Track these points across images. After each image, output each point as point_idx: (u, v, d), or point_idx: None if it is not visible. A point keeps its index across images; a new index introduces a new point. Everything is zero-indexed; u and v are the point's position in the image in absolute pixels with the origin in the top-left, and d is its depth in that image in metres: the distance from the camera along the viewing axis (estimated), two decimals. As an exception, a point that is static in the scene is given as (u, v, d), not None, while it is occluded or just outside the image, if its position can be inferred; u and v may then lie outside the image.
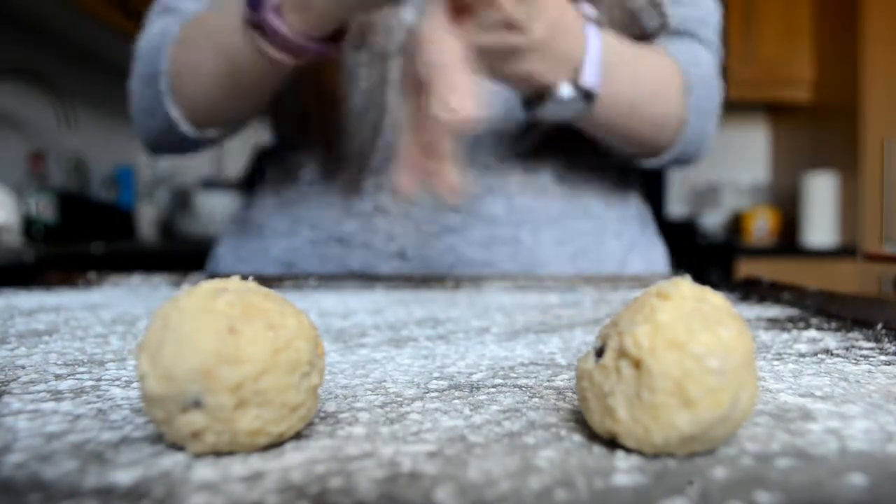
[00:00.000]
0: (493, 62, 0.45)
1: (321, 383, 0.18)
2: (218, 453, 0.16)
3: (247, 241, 0.67)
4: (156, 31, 0.60)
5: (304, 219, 0.64)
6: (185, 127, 0.59)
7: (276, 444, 0.17)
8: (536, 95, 0.50)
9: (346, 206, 0.62)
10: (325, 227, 0.63)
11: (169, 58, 0.57)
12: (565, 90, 0.48)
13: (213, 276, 0.43)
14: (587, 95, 0.49)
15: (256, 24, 0.48)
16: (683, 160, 0.63)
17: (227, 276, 0.19)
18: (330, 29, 0.49)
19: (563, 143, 0.62)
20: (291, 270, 0.64)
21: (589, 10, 0.49)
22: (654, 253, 0.69)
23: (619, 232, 0.65)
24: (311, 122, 0.66)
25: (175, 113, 0.58)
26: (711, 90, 0.60)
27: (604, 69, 0.49)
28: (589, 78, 0.48)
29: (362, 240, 0.62)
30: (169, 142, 0.62)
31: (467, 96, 0.40)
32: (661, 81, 0.56)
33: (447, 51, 0.41)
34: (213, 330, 0.16)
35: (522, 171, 0.62)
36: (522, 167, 0.62)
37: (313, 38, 0.49)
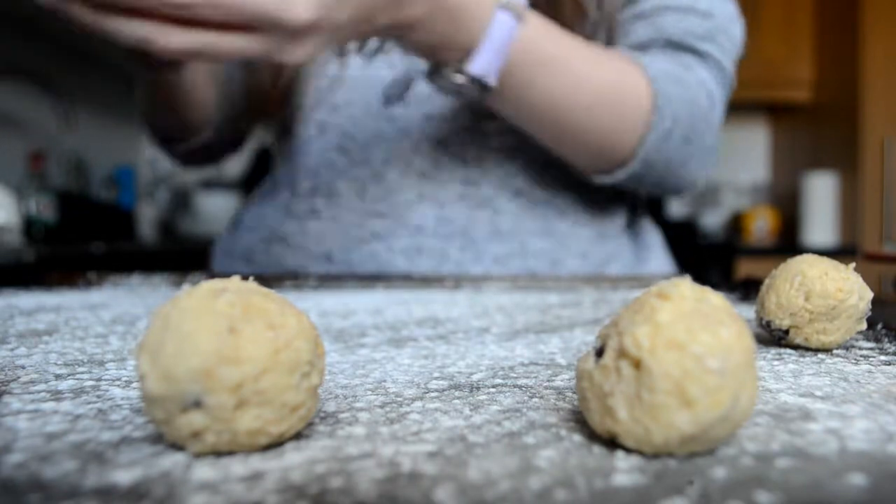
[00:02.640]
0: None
1: (321, 383, 0.18)
2: (218, 453, 0.16)
3: (230, 235, 0.70)
4: None
5: (264, 216, 0.66)
6: (155, 142, 0.64)
7: (276, 444, 0.17)
8: (436, 67, 0.47)
9: (287, 208, 0.63)
10: (273, 226, 0.64)
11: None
12: (455, 74, 0.46)
13: (213, 275, 0.43)
14: (481, 85, 0.46)
15: None
16: (648, 185, 0.56)
17: (225, 274, 0.19)
18: None
19: (524, 155, 0.60)
20: (249, 267, 0.65)
21: None
22: (642, 269, 0.65)
23: (586, 252, 0.61)
24: (282, 125, 0.68)
25: (146, 132, 0.63)
26: (694, 114, 0.53)
27: (516, 66, 0.46)
28: (478, 67, 0.45)
29: (298, 241, 0.62)
30: (174, 154, 0.67)
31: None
32: (609, 90, 0.50)
33: None
34: (213, 330, 0.16)
35: (461, 182, 0.59)
36: (462, 177, 0.59)
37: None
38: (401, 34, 0.44)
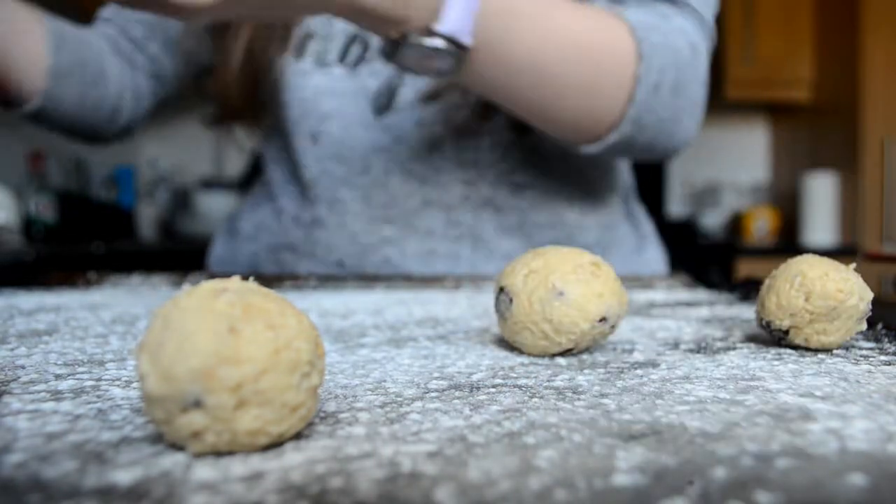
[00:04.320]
0: None
1: (321, 383, 0.18)
2: (218, 453, 0.16)
3: (227, 242, 0.69)
4: None
5: (264, 224, 0.65)
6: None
7: (276, 444, 0.17)
8: (394, 40, 0.41)
9: (293, 216, 0.63)
10: (279, 234, 0.64)
11: None
12: (417, 38, 0.40)
13: (212, 276, 0.43)
14: (456, 46, 0.40)
15: None
16: (640, 149, 0.51)
17: (225, 276, 0.19)
18: None
19: (519, 150, 0.61)
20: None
21: None
22: (643, 257, 0.67)
23: (595, 240, 0.62)
24: (268, 130, 0.67)
25: None
26: (678, 63, 0.48)
27: (488, 17, 0.41)
28: (450, 24, 0.39)
29: (307, 249, 0.62)
30: None
31: None
32: (591, 42, 0.45)
33: None
34: (213, 330, 0.16)
35: (462, 183, 0.60)
36: (463, 179, 0.60)
37: None
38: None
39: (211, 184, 2.42)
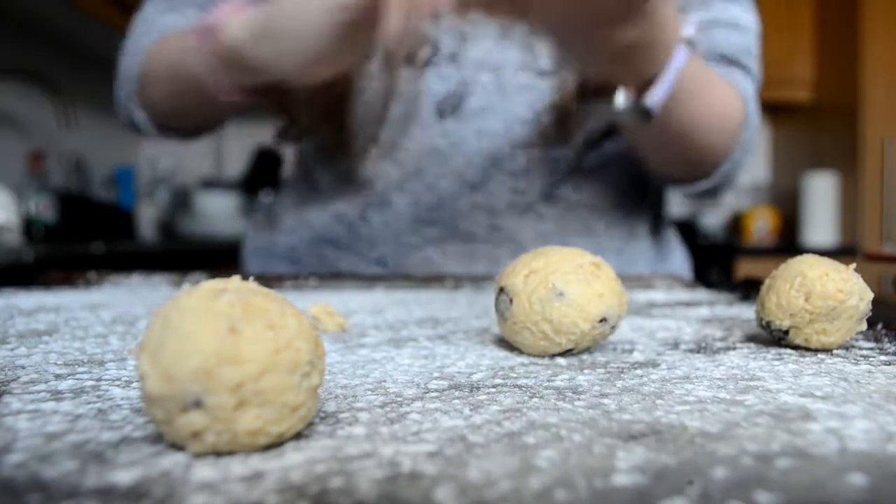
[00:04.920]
0: (595, 22, 0.40)
1: (321, 383, 0.18)
2: (218, 453, 0.16)
3: (266, 235, 0.70)
4: (150, 20, 0.64)
5: (306, 218, 0.66)
6: (148, 128, 0.64)
7: (276, 444, 0.17)
8: (594, 90, 0.47)
9: (338, 214, 0.64)
10: (320, 228, 0.65)
11: (138, 64, 0.61)
12: (621, 98, 0.45)
13: (215, 275, 0.43)
14: (643, 113, 0.46)
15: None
16: (711, 193, 0.60)
17: (238, 272, 0.19)
18: (261, 84, 0.50)
19: (564, 164, 0.62)
20: (293, 267, 0.66)
21: (690, 27, 0.45)
22: (667, 265, 0.68)
23: (620, 250, 0.64)
24: (322, 126, 0.66)
25: (138, 116, 0.63)
26: (757, 126, 0.59)
27: (674, 91, 0.46)
28: (653, 98, 0.45)
29: (348, 244, 0.64)
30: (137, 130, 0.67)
31: None
32: (726, 113, 0.54)
33: None
34: (213, 330, 0.16)
35: (510, 191, 0.61)
36: (511, 187, 0.61)
37: (244, 90, 0.51)
38: (608, 42, 0.41)
39: (211, 184, 2.42)
